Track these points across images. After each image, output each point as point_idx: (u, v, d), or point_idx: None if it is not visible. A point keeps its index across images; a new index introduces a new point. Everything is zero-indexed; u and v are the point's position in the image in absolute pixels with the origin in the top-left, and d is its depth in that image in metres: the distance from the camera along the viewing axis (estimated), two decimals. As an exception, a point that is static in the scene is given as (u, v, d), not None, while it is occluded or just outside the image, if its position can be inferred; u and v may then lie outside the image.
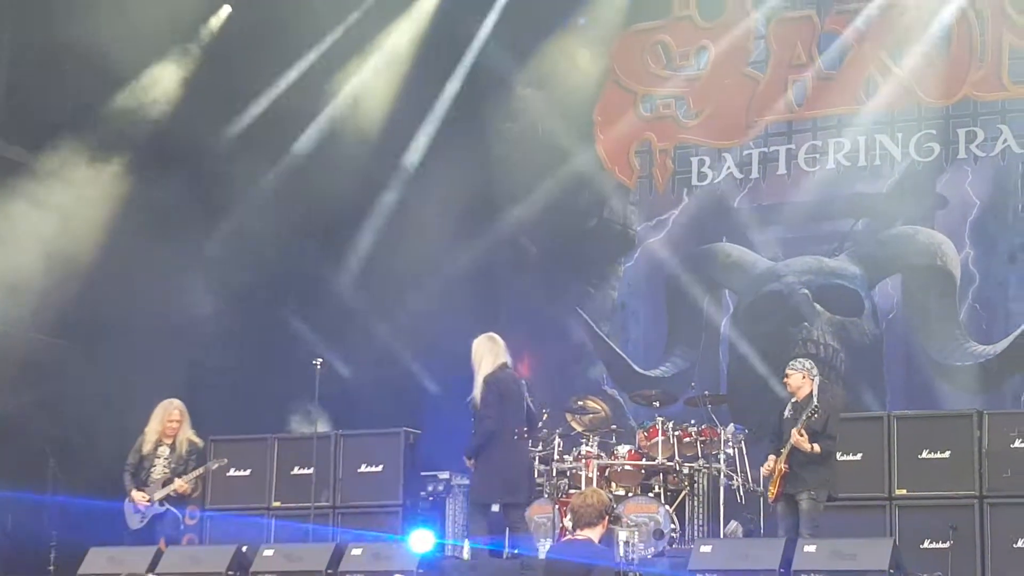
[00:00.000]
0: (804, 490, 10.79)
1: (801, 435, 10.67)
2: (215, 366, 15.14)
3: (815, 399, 10.84)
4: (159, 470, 11.78)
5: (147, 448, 11.81)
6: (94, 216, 14.80)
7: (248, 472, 13.61)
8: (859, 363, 15.45)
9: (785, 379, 11.21)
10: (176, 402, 11.91)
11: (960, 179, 15.13)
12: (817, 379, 11.05)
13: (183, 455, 11.83)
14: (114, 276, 14.51)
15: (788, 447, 10.77)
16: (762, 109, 16.12)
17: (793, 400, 11.10)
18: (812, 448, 10.70)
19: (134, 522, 11.75)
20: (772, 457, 10.93)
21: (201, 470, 11.93)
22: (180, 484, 11.66)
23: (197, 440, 12.00)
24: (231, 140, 15.13)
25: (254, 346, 15.36)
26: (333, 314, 15.46)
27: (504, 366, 10.98)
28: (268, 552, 11.46)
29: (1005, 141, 14.95)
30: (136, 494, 11.69)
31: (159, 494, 11.69)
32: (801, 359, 11.38)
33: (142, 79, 15.08)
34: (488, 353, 10.98)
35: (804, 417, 10.72)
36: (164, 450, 11.82)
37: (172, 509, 11.75)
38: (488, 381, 10.86)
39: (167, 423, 11.81)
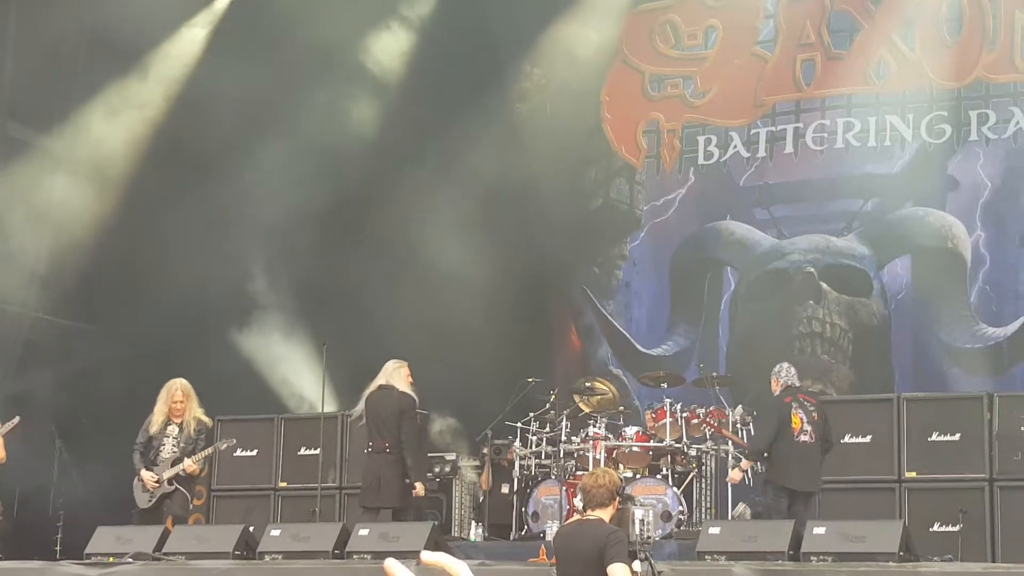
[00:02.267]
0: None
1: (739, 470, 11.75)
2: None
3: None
4: (168, 449, 11.76)
5: (155, 428, 11.78)
6: (104, 195, 14.77)
7: (255, 452, 13.58)
8: (867, 344, 15.39)
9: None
10: (179, 381, 11.86)
11: (972, 161, 15.05)
12: (782, 380, 11.64)
13: (191, 435, 11.79)
14: (122, 255, 14.49)
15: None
16: (770, 88, 16.04)
17: None
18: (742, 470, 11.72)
19: (143, 501, 11.75)
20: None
21: (210, 450, 11.91)
22: (189, 464, 11.63)
23: (206, 419, 11.96)
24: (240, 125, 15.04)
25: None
26: (345, 297, 15.42)
27: (380, 387, 11.72)
28: (275, 532, 11.43)
29: (1017, 123, 14.85)
30: (145, 473, 11.67)
31: (168, 473, 11.67)
32: (782, 364, 11.87)
33: (153, 57, 15.04)
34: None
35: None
36: (173, 429, 11.79)
37: (180, 488, 11.73)
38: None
39: (172, 403, 11.78)
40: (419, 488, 11.61)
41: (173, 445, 11.76)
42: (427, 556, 2.71)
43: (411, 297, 15.12)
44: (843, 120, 15.70)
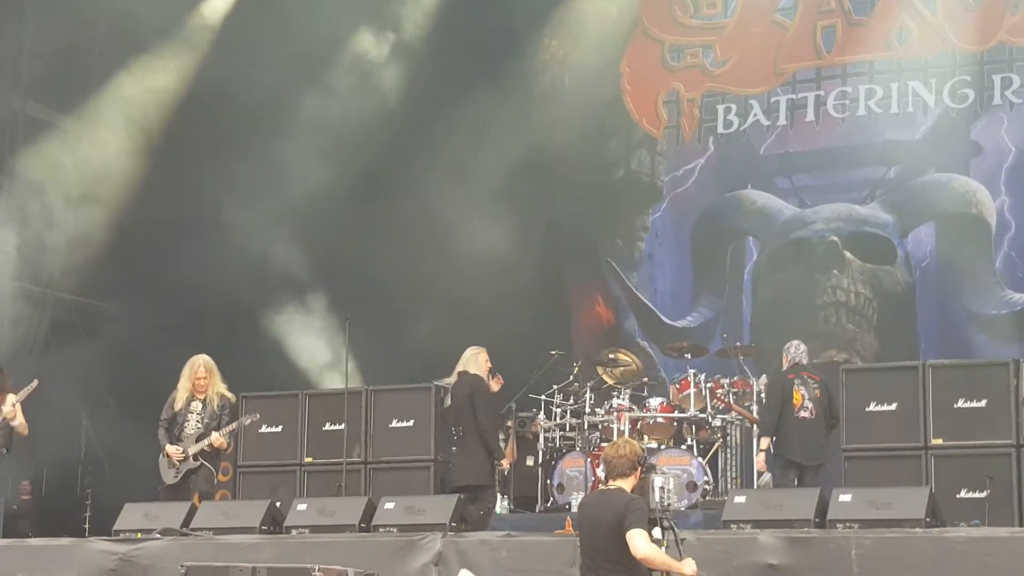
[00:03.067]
0: None
1: None
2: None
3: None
4: (192, 425, 11.80)
5: (179, 404, 11.82)
6: (121, 176, 14.81)
7: (280, 428, 13.59)
8: (892, 311, 15.37)
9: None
10: (202, 358, 11.89)
11: (995, 126, 14.97)
12: (790, 357, 11.93)
13: (215, 410, 11.83)
14: (144, 236, 14.52)
15: None
16: (790, 56, 15.97)
17: None
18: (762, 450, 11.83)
19: (169, 477, 11.80)
20: None
21: (234, 425, 11.94)
22: (216, 438, 11.67)
23: (229, 395, 11.99)
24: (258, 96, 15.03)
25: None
26: (367, 273, 15.43)
27: (458, 374, 11.92)
28: (301, 506, 11.47)
29: (1041, 86, 14.78)
30: (171, 449, 11.71)
31: (193, 448, 11.71)
32: (792, 341, 12.03)
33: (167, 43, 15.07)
34: None
35: None
36: (196, 405, 11.83)
37: (206, 464, 11.77)
38: None
39: (195, 379, 11.82)
40: (504, 463, 12.10)
41: (197, 421, 11.80)
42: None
43: (434, 271, 15.14)
44: (865, 87, 15.63)
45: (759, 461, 11.89)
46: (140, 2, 14.20)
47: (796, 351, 11.93)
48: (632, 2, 16.43)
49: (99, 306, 15.18)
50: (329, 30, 15.30)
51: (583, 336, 15.24)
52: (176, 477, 11.76)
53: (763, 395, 12.75)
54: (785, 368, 11.93)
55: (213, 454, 11.81)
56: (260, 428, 13.19)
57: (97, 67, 14.89)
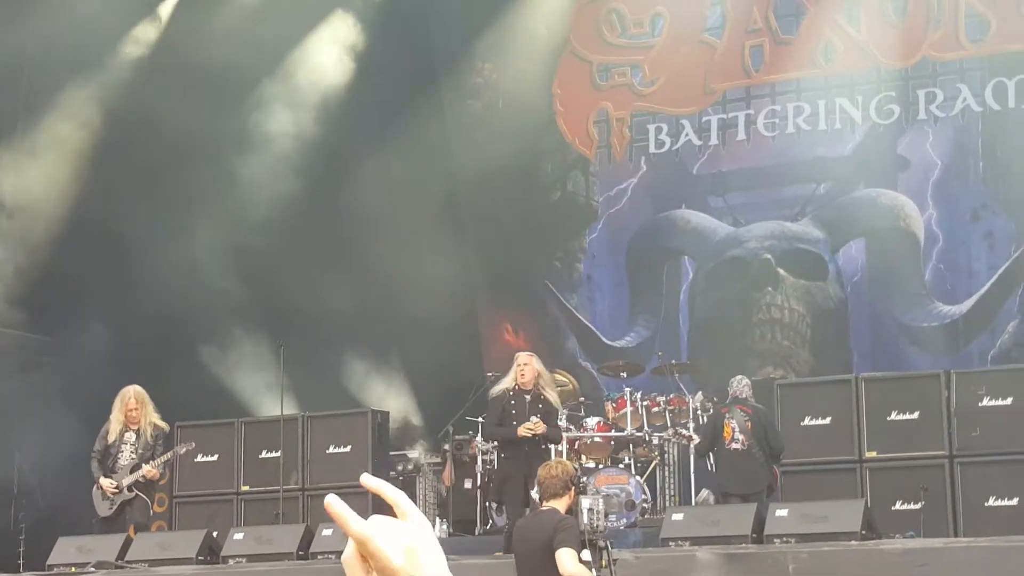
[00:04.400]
0: None
1: None
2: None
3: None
4: (126, 456, 11.67)
5: (112, 436, 11.69)
6: (52, 207, 14.68)
7: (216, 457, 13.49)
8: (825, 327, 15.46)
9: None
10: (133, 388, 11.77)
11: (921, 140, 15.12)
12: (731, 391, 12.16)
13: (149, 441, 11.71)
14: (77, 268, 14.38)
15: None
16: (720, 75, 16.05)
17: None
18: None
19: (103, 509, 11.65)
20: None
21: (168, 455, 11.83)
22: (148, 470, 11.55)
23: (162, 424, 11.88)
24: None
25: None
26: (303, 300, 15.34)
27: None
28: (238, 535, 11.38)
29: (964, 100, 14.94)
30: (104, 481, 11.57)
31: (127, 480, 11.58)
32: (736, 376, 12.23)
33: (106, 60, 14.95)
34: None
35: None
36: (130, 436, 11.70)
37: (141, 495, 11.65)
38: None
39: (127, 411, 11.68)
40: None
41: (131, 452, 11.67)
42: (367, 480, 2.70)
43: (370, 297, 15.07)
44: (793, 105, 15.75)
45: None
46: (67, 30, 14.07)
47: (738, 385, 12.09)
48: (561, 22, 16.42)
49: (34, 338, 15.01)
50: (261, 55, 15.22)
51: (492, 364, 15.06)
52: (111, 509, 11.63)
53: (699, 412, 12.81)
54: (727, 401, 12.11)
55: (148, 485, 11.69)
56: (196, 457, 13.08)
57: (26, 96, 14.73)
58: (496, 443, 12.08)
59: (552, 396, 11.57)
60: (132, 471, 11.58)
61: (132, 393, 11.72)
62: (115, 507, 11.61)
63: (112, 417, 11.75)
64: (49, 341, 14.98)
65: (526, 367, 11.45)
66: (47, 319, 14.93)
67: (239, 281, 14.98)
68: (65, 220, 14.65)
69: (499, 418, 11.49)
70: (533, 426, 11.12)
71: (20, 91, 14.75)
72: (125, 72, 15.13)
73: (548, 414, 11.38)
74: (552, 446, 11.66)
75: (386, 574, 2.66)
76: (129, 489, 11.59)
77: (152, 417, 11.77)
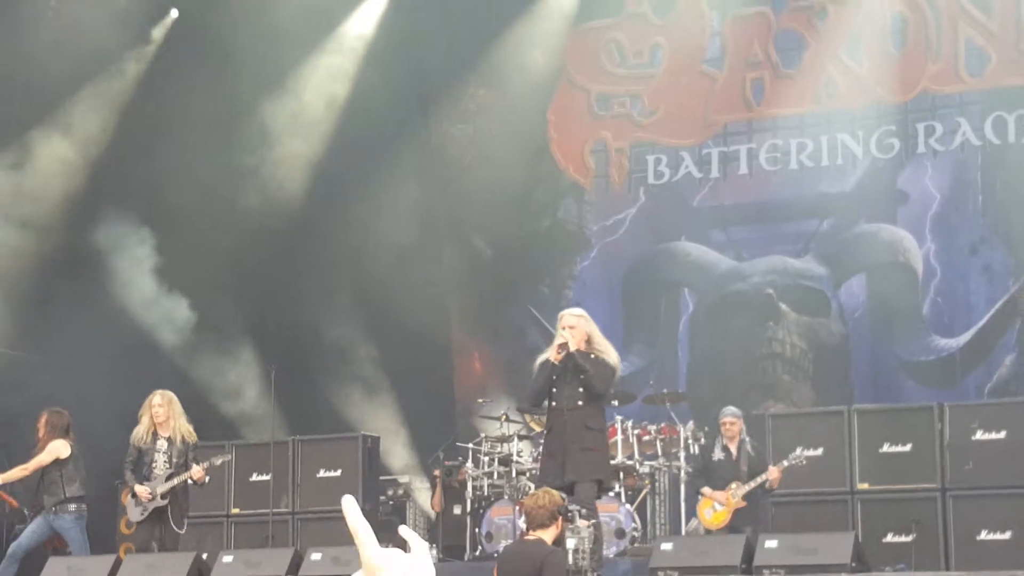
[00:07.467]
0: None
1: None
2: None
3: (748, 444, 11.87)
4: (160, 465, 11.49)
5: (141, 441, 11.50)
6: (44, 219, 14.71)
7: (206, 479, 13.43)
8: (827, 362, 15.45)
9: (730, 425, 11.89)
10: (159, 391, 11.59)
11: (920, 174, 15.13)
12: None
13: (180, 447, 11.51)
14: (66, 287, 14.40)
15: (752, 485, 11.65)
16: (720, 108, 16.07)
17: (723, 442, 11.91)
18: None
19: (135, 515, 11.51)
20: (723, 492, 11.71)
21: (206, 465, 11.47)
22: (196, 470, 11.33)
23: (194, 436, 11.62)
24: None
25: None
26: (293, 325, 15.35)
27: None
28: (228, 558, 11.33)
29: (963, 134, 14.94)
30: (139, 488, 11.40)
31: (162, 488, 11.41)
32: (732, 407, 12.11)
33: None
34: None
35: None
36: (162, 444, 11.52)
37: (175, 502, 11.42)
38: None
39: (152, 409, 11.44)
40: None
41: (165, 460, 11.50)
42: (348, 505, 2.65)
43: (359, 323, 15.08)
44: (796, 140, 15.77)
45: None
46: (54, 53, 14.13)
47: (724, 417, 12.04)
48: (558, 50, 16.47)
49: (25, 357, 15.00)
50: (254, 80, 15.29)
51: (463, 393, 14.98)
52: (143, 515, 11.49)
53: (690, 441, 12.77)
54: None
55: (182, 492, 11.51)
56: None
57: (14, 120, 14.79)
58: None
59: (610, 358, 9.73)
60: (168, 479, 11.42)
61: (158, 394, 11.54)
62: (147, 513, 11.47)
63: (141, 422, 11.54)
64: (40, 360, 14.97)
65: (572, 330, 9.58)
66: (38, 338, 14.94)
67: (230, 303, 15.02)
68: (53, 239, 14.67)
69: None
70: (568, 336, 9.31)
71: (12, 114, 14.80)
72: (122, 89, 15.19)
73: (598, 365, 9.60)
74: (591, 424, 9.69)
75: None
76: (163, 496, 11.43)
77: (185, 426, 11.56)
